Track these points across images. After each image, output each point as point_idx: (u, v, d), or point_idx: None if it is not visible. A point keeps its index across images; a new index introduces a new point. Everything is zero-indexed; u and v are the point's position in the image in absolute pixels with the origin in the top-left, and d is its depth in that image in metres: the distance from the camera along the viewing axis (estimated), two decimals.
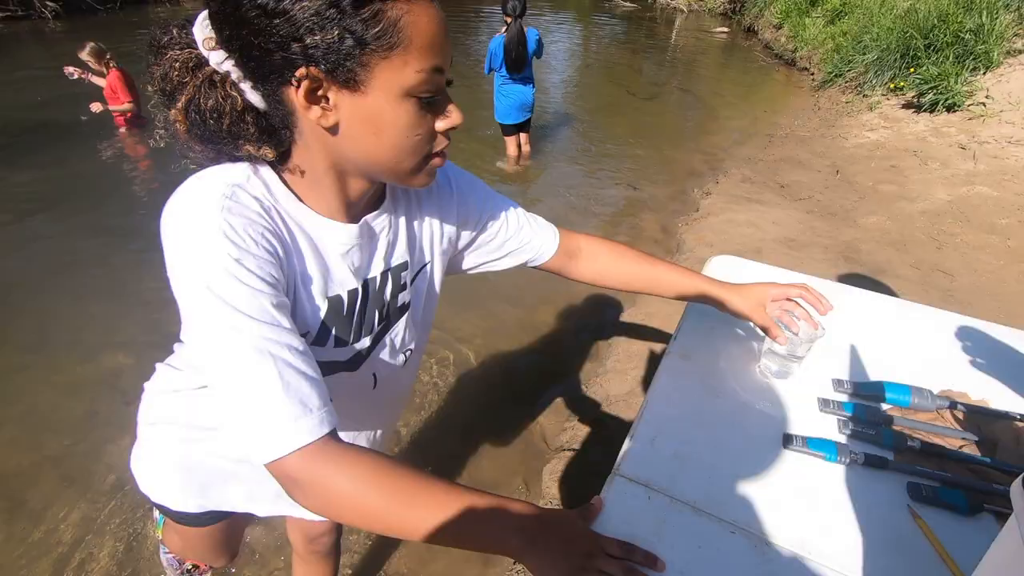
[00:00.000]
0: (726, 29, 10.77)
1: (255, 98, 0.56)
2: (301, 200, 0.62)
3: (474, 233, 0.83)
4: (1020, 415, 0.82)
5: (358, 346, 0.70)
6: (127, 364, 2.35)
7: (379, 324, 0.73)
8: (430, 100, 0.56)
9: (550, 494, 1.80)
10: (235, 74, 0.54)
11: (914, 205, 3.68)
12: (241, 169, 0.58)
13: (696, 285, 0.91)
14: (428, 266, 0.78)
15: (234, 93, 0.55)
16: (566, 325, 2.74)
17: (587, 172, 4.60)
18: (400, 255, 0.72)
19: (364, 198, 0.66)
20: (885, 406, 0.85)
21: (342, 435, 0.78)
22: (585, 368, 2.45)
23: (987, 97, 4.62)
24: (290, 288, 0.60)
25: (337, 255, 0.65)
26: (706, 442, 0.78)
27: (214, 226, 0.53)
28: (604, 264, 0.93)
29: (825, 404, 0.84)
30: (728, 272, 1.15)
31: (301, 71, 0.51)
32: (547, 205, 4.06)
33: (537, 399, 2.28)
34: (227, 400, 0.52)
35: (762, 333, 0.97)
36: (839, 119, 5.42)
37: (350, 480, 0.53)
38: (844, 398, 0.86)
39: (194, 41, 0.55)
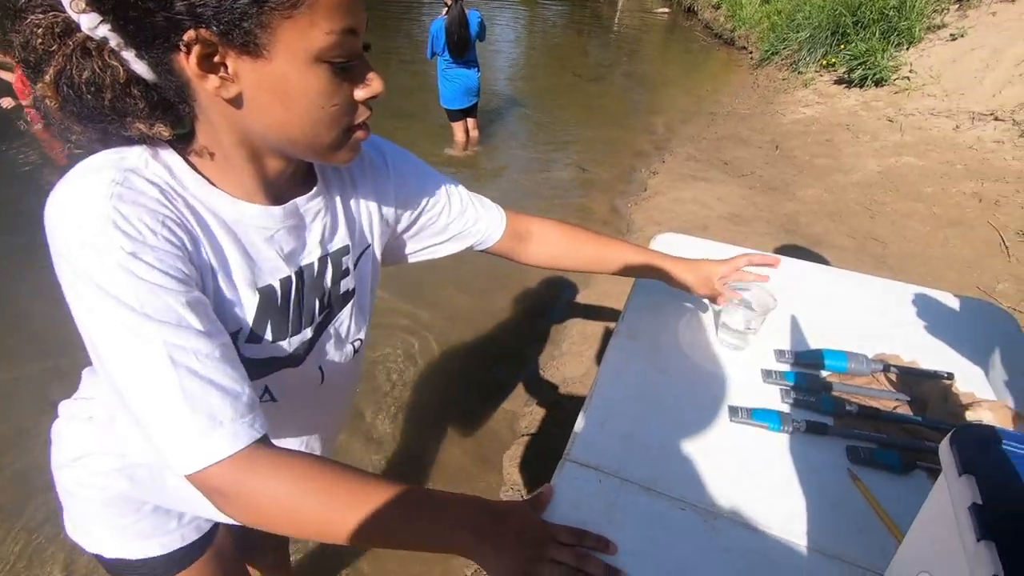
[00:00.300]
0: (667, 9, 10.91)
1: (141, 68, 0.48)
2: (213, 183, 0.55)
3: (415, 215, 0.78)
4: (947, 373, 0.85)
5: (298, 338, 0.64)
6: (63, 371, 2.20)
7: (320, 313, 0.66)
8: (344, 66, 0.51)
9: (511, 480, 1.80)
10: (113, 40, 0.47)
11: (848, 177, 3.85)
12: (137, 153, 0.52)
13: (647, 260, 0.91)
14: (371, 249, 0.73)
15: (114, 63, 0.48)
16: (521, 310, 2.73)
17: (536, 155, 4.58)
18: (340, 239, 0.67)
19: (284, 177, 0.60)
20: (824, 373, 0.87)
21: (291, 441, 0.75)
22: (541, 352, 2.45)
23: (911, 71, 4.85)
24: (206, 282, 0.54)
25: (261, 241, 0.58)
26: (655, 421, 0.78)
27: (103, 216, 0.46)
28: (555, 246, 0.90)
29: (768, 375, 0.85)
30: (674, 250, 1.15)
31: (190, 34, 0.45)
32: (498, 190, 4.03)
33: (495, 386, 2.27)
34: (132, 412, 0.48)
35: (713, 307, 0.98)
36: (777, 96, 5.59)
37: (280, 486, 0.50)
38: (786, 367, 0.88)
39: (59, 2, 0.46)
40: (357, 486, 0.53)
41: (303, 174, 0.64)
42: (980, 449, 0.43)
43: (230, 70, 0.48)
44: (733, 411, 0.79)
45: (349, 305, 0.71)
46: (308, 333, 0.65)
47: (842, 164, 4.03)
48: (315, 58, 0.48)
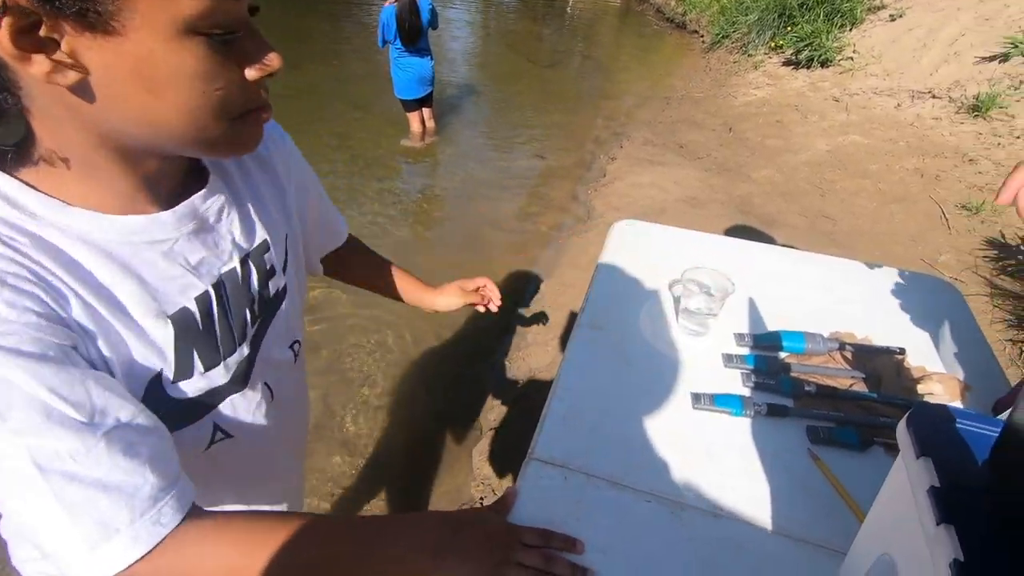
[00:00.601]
0: None
1: None
2: (70, 203, 0.42)
3: (303, 201, 0.69)
4: (898, 349, 0.87)
5: (235, 359, 0.54)
6: None
7: (254, 324, 0.57)
8: (225, 38, 0.40)
9: (481, 474, 1.78)
10: None
11: (798, 157, 3.95)
12: None
13: (414, 290, 0.98)
14: (292, 236, 0.64)
15: None
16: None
17: (495, 144, 4.54)
18: (257, 234, 0.57)
19: (169, 174, 0.49)
20: (783, 354, 0.88)
21: (263, 483, 0.68)
22: (507, 344, 2.44)
23: (854, 52, 5.00)
24: (90, 338, 0.42)
25: (158, 258, 0.47)
26: (620, 412, 0.77)
27: None
28: (359, 269, 0.92)
29: (729, 359, 0.86)
30: (633, 237, 1.15)
31: None
32: (458, 181, 3.98)
33: (462, 380, 2.25)
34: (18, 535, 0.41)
35: (673, 293, 0.98)
36: (728, 79, 5.69)
37: (219, 558, 0.45)
38: (746, 351, 0.89)
39: None
40: (300, 530, 0.48)
41: (193, 165, 0.53)
42: (936, 431, 0.43)
43: (64, 48, 0.36)
44: (696, 398, 0.78)
45: (284, 305, 0.62)
46: (245, 350, 0.56)
47: (792, 144, 4.13)
48: (185, 30, 0.38)
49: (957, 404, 0.81)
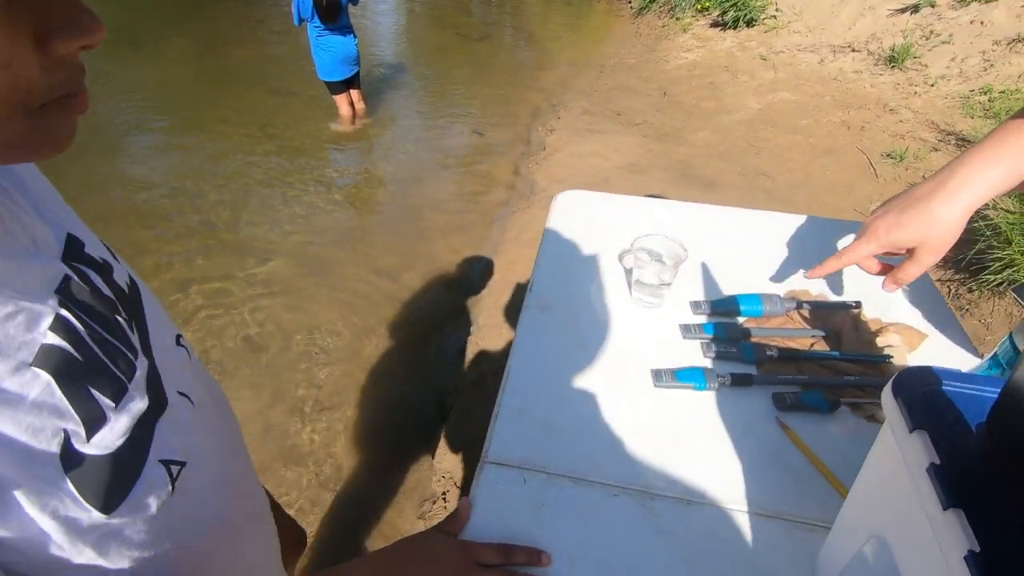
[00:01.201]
0: None
1: None
2: None
3: None
4: (854, 303, 0.85)
5: (140, 375, 0.41)
6: None
7: (133, 329, 0.44)
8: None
9: (442, 468, 1.71)
10: None
11: (732, 117, 3.99)
12: None
13: None
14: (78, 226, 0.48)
15: None
16: (433, 290, 2.61)
17: (430, 124, 4.38)
18: (59, 229, 0.41)
19: None
20: (741, 319, 0.84)
21: (238, 500, 0.51)
22: (459, 329, 2.36)
23: (777, 10, 5.08)
24: None
25: None
26: (577, 400, 0.71)
27: None
28: None
29: (687, 330, 0.81)
30: (577, 208, 1.09)
31: None
32: (395, 164, 3.82)
33: (415, 370, 2.16)
34: None
35: (624, 265, 0.92)
36: (659, 43, 5.69)
37: None
38: (703, 319, 0.84)
39: None
40: None
41: None
42: (926, 399, 0.39)
43: None
44: (657, 375, 0.73)
45: (143, 297, 0.49)
46: (144, 361, 0.42)
47: (726, 105, 4.18)
48: None
49: (916, 354, 0.79)
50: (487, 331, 2.26)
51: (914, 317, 0.85)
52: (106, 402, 0.36)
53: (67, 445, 0.34)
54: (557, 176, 3.29)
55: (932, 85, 3.88)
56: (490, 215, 3.18)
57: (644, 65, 5.24)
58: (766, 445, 0.67)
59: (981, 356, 0.78)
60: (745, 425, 0.69)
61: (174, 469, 0.42)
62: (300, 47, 4.46)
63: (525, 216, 3.00)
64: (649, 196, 1.12)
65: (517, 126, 4.27)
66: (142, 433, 0.39)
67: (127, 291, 0.45)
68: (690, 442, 0.67)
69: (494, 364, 2.08)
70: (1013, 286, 2.17)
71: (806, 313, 0.84)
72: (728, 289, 0.89)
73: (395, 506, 1.71)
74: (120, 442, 0.37)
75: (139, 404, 0.39)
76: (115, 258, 0.46)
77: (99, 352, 0.38)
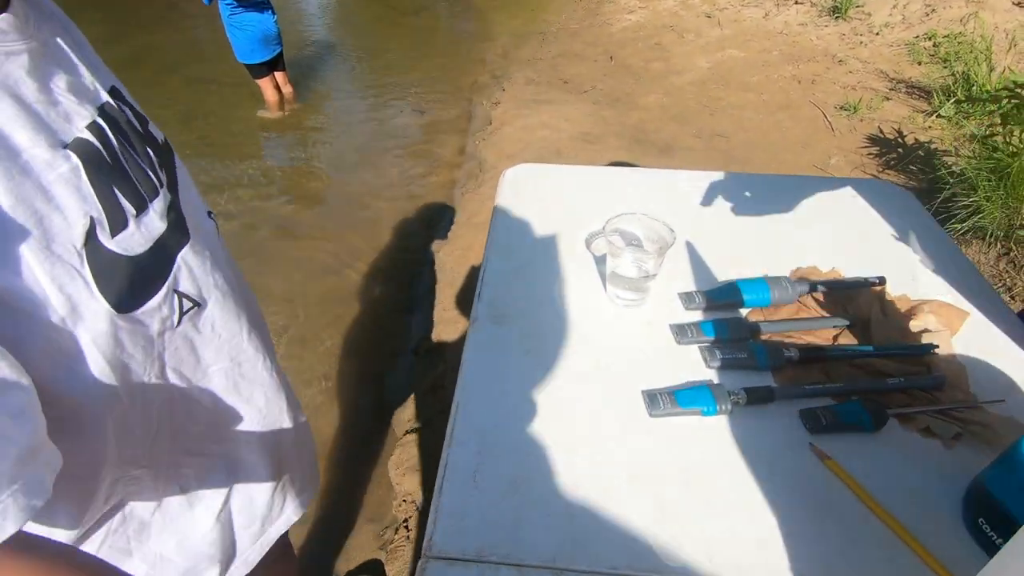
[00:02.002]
0: None
1: None
2: None
3: None
4: (877, 279, 0.69)
5: (160, 202, 0.44)
6: None
7: (162, 169, 0.47)
8: None
9: (403, 491, 1.52)
10: None
11: (682, 78, 3.85)
12: None
13: None
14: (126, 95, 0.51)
15: None
16: (382, 284, 2.38)
17: (367, 105, 4.07)
18: (105, 75, 0.47)
19: None
20: (745, 311, 0.67)
21: (251, 353, 0.55)
22: (415, 328, 2.16)
23: None
24: None
25: (22, 74, 0.36)
26: (551, 449, 0.53)
27: None
28: None
29: (681, 332, 0.63)
30: (528, 185, 0.89)
31: None
32: (334, 151, 3.52)
33: (369, 378, 1.95)
34: None
35: (594, 253, 0.74)
36: (601, 7, 5.48)
37: None
38: (699, 315, 0.67)
39: None
40: None
41: None
42: None
43: None
44: (652, 400, 0.56)
45: (177, 160, 0.53)
46: (167, 194, 0.47)
47: (675, 66, 4.03)
48: None
49: (960, 338, 0.64)
50: (444, 326, 2.07)
51: (945, 289, 0.71)
52: (128, 207, 0.40)
53: (92, 232, 0.37)
54: (506, 151, 3.08)
55: (877, 34, 3.83)
56: (437, 199, 2.95)
57: (588, 30, 5.04)
58: (802, 485, 0.50)
59: None
60: (772, 459, 0.52)
61: (186, 304, 0.46)
62: (219, 30, 4.06)
63: (475, 197, 2.79)
64: (603, 165, 0.94)
65: (460, 102, 4.02)
66: (165, 255, 0.43)
67: (160, 143, 0.49)
68: (705, 493, 0.50)
69: (454, 362, 1.89)
70: None
71: (821, 296, 0.68)
72: (723, 273, 0.72)
73: (354, 535, 1.52)
74: (142, 251, 0.40)
75: (158, 224, 0.43)
76: (138, 114, 0.48)
77: (125, 166, 0.42)
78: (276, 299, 2.26)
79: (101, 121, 0.41)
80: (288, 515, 0.65)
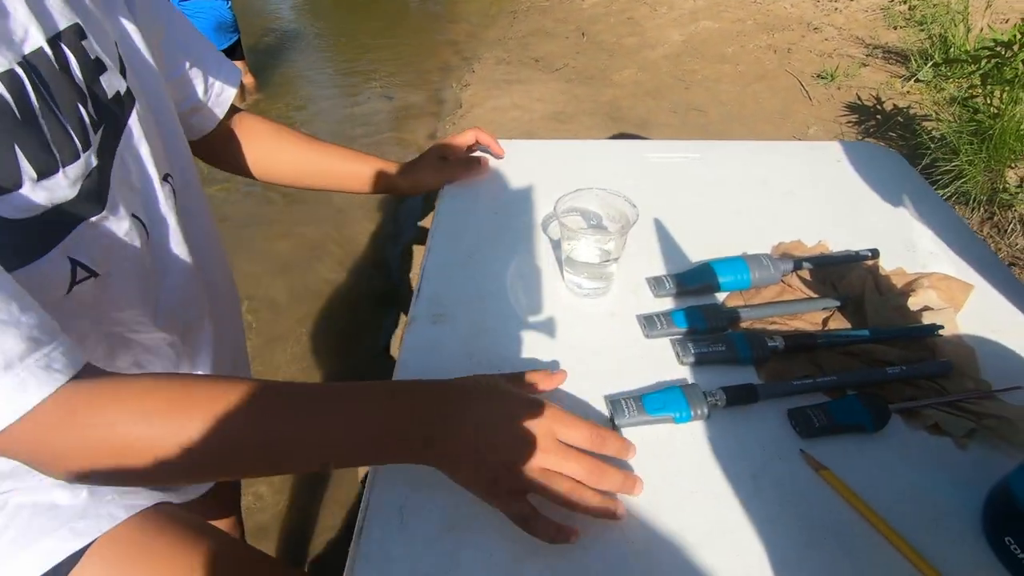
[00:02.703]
0: None
1: None
2: None
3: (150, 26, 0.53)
4: (868, 251, 0.61)
5: (78, 168, 0.40)
6: None
7: (95, 128, 0.43)
8: None
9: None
10: None
11: (656, 51, 3.75)
12: None
13: (371, 170, 0.74)
14: (122, 42, 0.48)
15: None
16: (352, 279, 2.28)
17: (334, 91, 3.92)
18: (62, 14, 0.41)
19: None
20: (722, 296, 0.59)
21: (155, 335, 0.51)
22: (389, 324, 2.06)
23: None
24: None
25: None
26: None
27: None
28: (269, 147, 0.71)
29: (650, 324, 0.55)
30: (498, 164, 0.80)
31: None
32: None
33: (346, 378, 1.85)
34: None
35: (548, 235, 0.65)
36: None
37: (115, 419, 0.35)
38: (670, 303, 0.59)
39: None
40: (247, 400, 0.37)
41: None
42: None
43: None
44: (616, 408, 0.47)
45: (133, 117, 0.48)
46: (92, 160, 0.42)
47: (648, 40, 3.92)
48: None
49: (965, 314, 0.56)
50: None
51: (945, 259, 0.63)
52: (27, 169, 0.37)
53: None
54: None
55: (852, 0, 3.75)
56: None
57: (558, 6, 4.90)
58: (794, 501, 0.42)
59: None
60: (757, 471, 0.44)
61: (80, 275, 0.42)
62: None
63: None
64: (578, 141, 0.85)
65: (429, 85, 3.88)
66: (57, 220, 0.39)
67: (110, 97, 0.45)
68: (679, 517, 0.41)
69: None
70: None
71: (807, 275, 0.60)
72: (697, 254, 0.64)
73: (324, 554, 1.44)
74: (28, 216, 0.37)
75: (64, 191, 0.39)
76: (121, 72, 0.46)
77: (42, 123, 0.38)
78: (240, 296, 2.15)
79: (20, 71, 0.37)
80: None
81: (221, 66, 0.63)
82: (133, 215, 0.46)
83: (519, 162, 0.80)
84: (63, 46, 0.41)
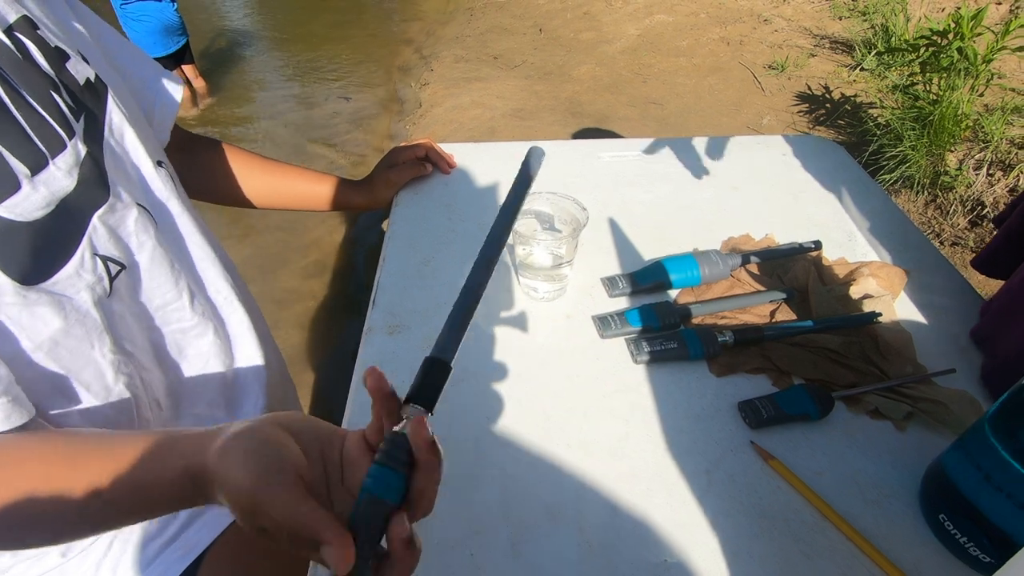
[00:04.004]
0: None
1: None
2: None
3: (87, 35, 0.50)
4: (812, 243, 0.64)
5: (68, 157, 0.38)
6: None
7: (75, 115, 0.41)
8: None
9: None
10: None
11: (613, 46, 3.78)
12: None
13: (329, 190, 0.73)
14: (85, 37, 0.47)
15: None
16: (315, 286, 2.24)
17: (289, 94, 3.83)
18: (7, 7, 0.39)
19: None
20: (674, 293, 0.60)
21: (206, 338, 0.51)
22: (350, 331, 2.03)
23: None
24: None
25: None
26: (455, 486, 0.44)
27: None
28: (224, 171, 0.68)
29: (605, 324, 0.56)
30: (464, 165, 0.80)
31: None
32: (256, 146, 3.28)
33: (316, 385, 1.83)
34: None
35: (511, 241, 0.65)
36: None
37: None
38: (625, 302, 0.59)
39: None
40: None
41: None
42: None
43: None
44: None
45: (111, 103, 0.46)
46: (80, 147, 0.40)
47: (605, 35, 3.95)
48: None
49: (902, 301, 0.59)
50: None
51: (881, 247, 0.66)
52: (20, 168, 0.36)
53: None
54: (438, 134, 2.95)
55: None
56: None
57: (515, 3, 4.89)
58: (745, 493, 0.44)
59: (973, 287, 0.60)
60: (711, 465, 0.45)
61: (113, 269, 0.42)
62: (115, 22, 3.71)
63: None
64: (538, 141, 0.85)
65: (387, 85, 3.84)
66: (73, 216, 0.39)
67: (82, 85, 0.43)
68: (636, 518, 0.42)
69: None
70: None
71: (755, 268, 0.62)
72: (650, 252, 0.65)
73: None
74: (41, 214, 0.36)
75: (63, 182, 0.38)
76: (76, 54, 0.44)
77: (17, 115, 0.36)
78: None
79: None
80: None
81: (160, 81, 0.58)
82: (138, 204, 0.45)
83: (472, 166, 0.79)
84: (19, 36, 0.40)
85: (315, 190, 0.72)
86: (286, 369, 0.68)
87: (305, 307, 2.15)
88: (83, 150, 0.40)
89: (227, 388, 0.55)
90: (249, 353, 0.56)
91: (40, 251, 0.36)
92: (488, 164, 0.80)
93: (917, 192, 2.13)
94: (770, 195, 0.75)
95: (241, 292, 0.57)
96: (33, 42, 0.40)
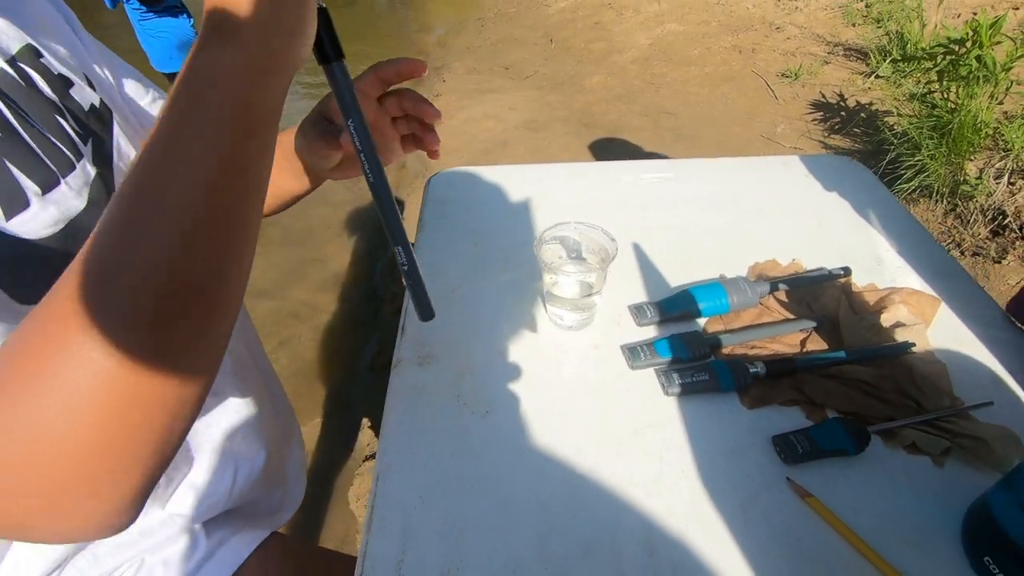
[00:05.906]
0: None
1: None
2: None
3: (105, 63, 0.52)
4: (841, 270, 0.63)
5: (78, 178, 0.39)
6: None
7: (83, 140, 0.42)
8: None
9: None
10: None
11: (624, 56, 3.79)
12: None
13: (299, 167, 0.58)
14: (88, 60, 0.48)
15: None
16: (330, 300, 2.25)
17: (301, 106, 3.87)
18: (13, 36, 0.41)
19: None
20: (702, 321, 0.60)
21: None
22: (367, 342, 2.04)
23: None
24: None
25: None
26: (490, 522, 0.44)
27: None
28: None
29: (634, 355, 0.56)
30: (456, 187, 0.80)
31: None
32: None
33: (327, 400, 1.83)
34: None
35: (535, 269, 0.65)
36: None
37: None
38: (653, 331, 0.59)
39: None
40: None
41: None
42: None
43: None
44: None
45: (117, 129, 0.47)
46: (89, 168, 0.41)
47: (616, 44, 3.96)
48: None
49: (934, 329, 0.58)
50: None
51: (912, 273, 0.65)
52: (30, 185, 0.36)
53: None
54: (450, 146, 2.96)
55: None
56: None
57: (525, 13, 4.92)
58: (782, 531, 0.43)
59: (1006, 312, 0.59)
60: (746, 502, 0.45)
61: None
62: (132, 38, 3.78)
63: (419, 197, 2.67)
64: (553, 153, 0.86)
65: None
66: (81, 236, 0.36)
67: (87, 110, 0.44)
68: (672, 556, 0.42)
69: None
70: None
71: (783, 296, 0.61)
72: (676, 278, 0.65)
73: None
74: (49, 232, 0.36)
75: (74, 202, 0.38)
76: (84, 79, 0.45)
77: (26, 136, 0.37)
78: None
79: None
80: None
81: (159, 102, 0.57)
82: None
83: (495, 189, 0.80)
84: (22, 65, 0.41)
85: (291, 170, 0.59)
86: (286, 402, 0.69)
87: (321, 320, 2.16)
88: (92, 171, 0.41)
89: (232, 405, 0.56)
90: (249, 374, 0.59)
91: (42, 268, 0.35)
92: (507, 188, 0.80)
93: (936, 201, 2.11)
94: (795, 217, 0.74)
95: (242, 319, 0.59)
96: (36, 70, 0.41)
